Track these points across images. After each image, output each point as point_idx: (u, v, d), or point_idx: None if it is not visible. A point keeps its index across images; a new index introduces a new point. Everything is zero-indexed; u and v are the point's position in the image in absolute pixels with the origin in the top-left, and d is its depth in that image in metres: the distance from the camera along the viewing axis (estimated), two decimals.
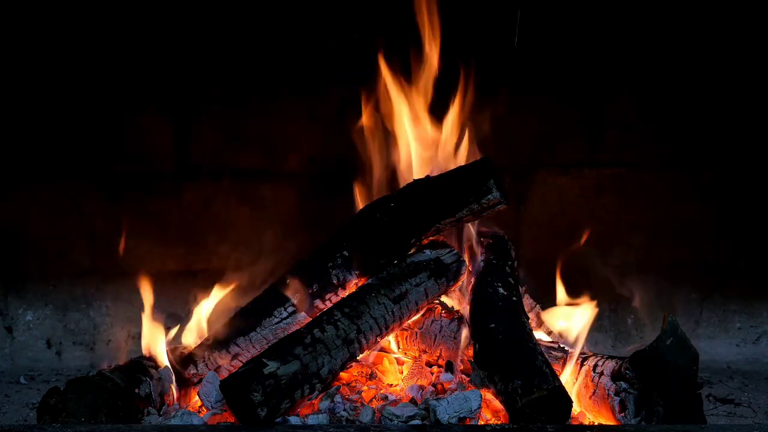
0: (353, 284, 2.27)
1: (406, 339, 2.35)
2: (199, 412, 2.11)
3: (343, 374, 2.14)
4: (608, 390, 1.98)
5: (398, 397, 2.09)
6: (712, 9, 3.01)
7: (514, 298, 2.23)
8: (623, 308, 3.18)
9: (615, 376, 1.99)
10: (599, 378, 2.04)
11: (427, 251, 2.27)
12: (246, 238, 3.13)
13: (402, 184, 2.43)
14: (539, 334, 2.36)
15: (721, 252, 3.19)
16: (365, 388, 2.14)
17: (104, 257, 3.14)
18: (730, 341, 3.19)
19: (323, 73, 3.05)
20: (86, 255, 3.14)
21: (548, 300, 2.53)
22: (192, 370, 2.22)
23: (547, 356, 2.02)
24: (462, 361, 2.22)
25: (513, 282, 2.31)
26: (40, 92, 3.05)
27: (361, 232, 2.28)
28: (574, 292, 2.50)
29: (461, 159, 2.45)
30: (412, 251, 2.28)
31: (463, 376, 2.18)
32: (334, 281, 2.25)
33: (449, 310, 2.33)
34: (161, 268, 3.14)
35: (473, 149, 2.47)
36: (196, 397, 2.18)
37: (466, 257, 2.36)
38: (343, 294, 2.25)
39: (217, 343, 2.24)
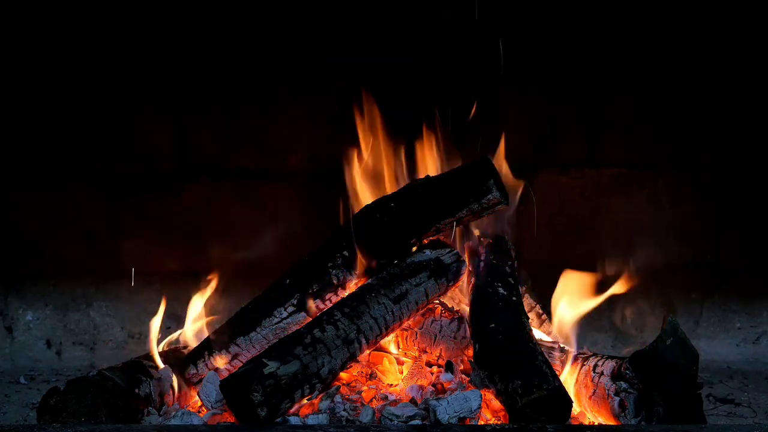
0: (353, 284, 2.27)
1: (406, 339, 2.35)
2: (199, 412, 2.11)
3: (343, 374, 2.14)
4: (608, 390, 1.98)
5: (398, 397, 2.09)
6: (711, 10, 3.01)
7: (514, 298, 2.23)
8: (623, 308, 3.18)
9: (615, 376, 1.99)
10: (599, 378, 2.04)
11: (427, 251, 2.27)
12: (246, 238, 3.13)
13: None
14: (539, 334, 2.36)
15: (721, 252, 3.19)
16: (365, 388, 2.14)
17: (105, 257, 3.15)
18: (730, 341, 3.20)
19: (323, 72, 3.05)
20: (86, 255, 3.14)
21: (548, 300, 2.53)
22: (192, 370, 2.22)
23: (547, 356, 2.02)
24: (462, 361, 2.22)
25: (513, 282, 2.31)
26: (40, 93, 3.06)
27: (361, 232, 2.28)
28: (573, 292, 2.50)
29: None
30: (412, 251, 2.28)
31: (463, 376, 2.18)
32: (334, 281, 2.25)
33: (449, 310, 2.33)
34: (161, 268, 3.14)
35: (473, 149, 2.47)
36: (196, 397, 2.18)
37: (466, 257, 2.36)
38: (343, 294, 2.25)
39: (217, 343, 2.23)
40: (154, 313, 3.09)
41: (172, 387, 2.16)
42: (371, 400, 2.08)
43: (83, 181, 3.11)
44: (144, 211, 3.12)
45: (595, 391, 2.04)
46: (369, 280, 2.22)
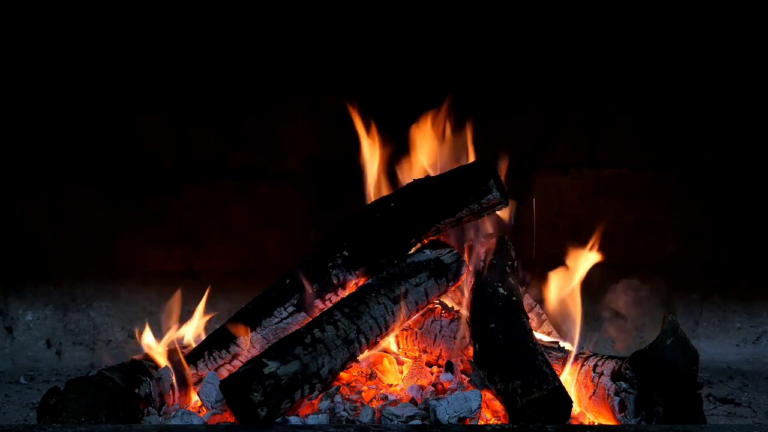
0: (353, 284, 2.27)
1: (406, 339, 2.36)
2: (199, 412, 2.11)
3: (343, 374, 2.14)
4: (608, 390, 1.98)
5: (398, 397, 2.09)
6: (712, 10, 3.01)
7: (514, 298, 2.23)
8: (623, 308, 3.18)
9: (615, 376, 1.99)
10: (599, 378, 2.04)
11: (427, 251, 2.27)
12: (246, 238, 3.13)
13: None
14: (539, 334, 2.36)
15: (721, 252, 3.19)
16: (365, 388, 2.14)
17: (104, 257, 3.15)
18: (730, 341, 3.20)
19: (323, 72, 3.05)
20: (86, 255, 3.14)
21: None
22: (192, 370, 2.22)
23: (547, 356, 2.02)
24: (462, 361, 2.22)
25: (513, 282, 2.31)
26: (41, 94, 3.05)
27: (361, 232, 2.28)
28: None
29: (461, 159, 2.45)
30: (412, 251, 2.28)
31: (463, 376, 2.18)
32: (334, 281, 2.25)
33: (449, 310, 2.33)
34: (161, 268, 3.14)
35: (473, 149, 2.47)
36: (196, 397, 2.18)
37: (466, 257, 2.36)
38: (343, 294, 2.25)
39: (216, 343, 2.23)
40: (154, 313, 3.11)
41: (172, 387, 2.16)
42: (371, 400, 2.08)
43: (83, 181, 3.11)
44: (144, 211, 3.12)
45: (595, 391, 2.04)
46: (369, 280, 2.22)
